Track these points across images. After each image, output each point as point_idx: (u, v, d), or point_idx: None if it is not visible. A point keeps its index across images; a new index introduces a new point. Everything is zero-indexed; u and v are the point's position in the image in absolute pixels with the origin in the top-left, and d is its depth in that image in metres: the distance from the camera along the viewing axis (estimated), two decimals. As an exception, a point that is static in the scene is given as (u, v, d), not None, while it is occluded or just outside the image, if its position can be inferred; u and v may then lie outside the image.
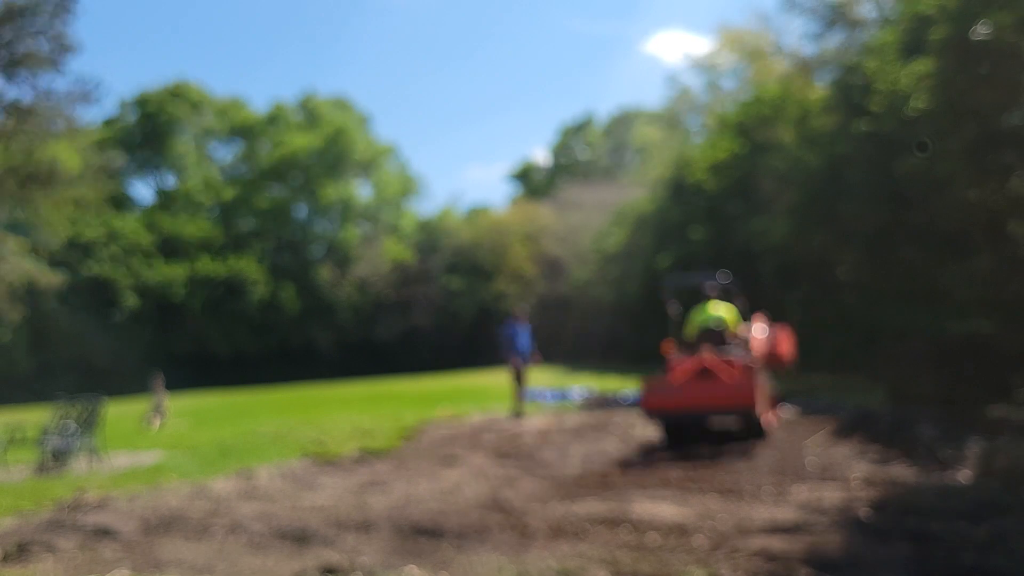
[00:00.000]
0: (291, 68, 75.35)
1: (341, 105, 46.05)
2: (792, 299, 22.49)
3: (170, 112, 42.17)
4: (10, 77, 20.75)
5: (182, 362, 33.70)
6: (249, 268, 39.01)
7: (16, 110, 20.99)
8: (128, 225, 38.09)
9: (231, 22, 74.26)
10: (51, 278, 26.98)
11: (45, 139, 21.65)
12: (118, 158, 35.01)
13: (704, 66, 33.44)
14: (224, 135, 44.92)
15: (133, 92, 42.91)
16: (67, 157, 23.81)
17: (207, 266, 37.97)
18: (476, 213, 46.30)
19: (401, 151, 48.59)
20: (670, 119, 37.05)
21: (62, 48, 21.19)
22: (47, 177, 21.43)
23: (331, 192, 43.16)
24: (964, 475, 7.18)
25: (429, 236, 43.64)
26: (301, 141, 42.41)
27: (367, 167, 45.61)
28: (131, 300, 35.54)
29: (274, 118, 44.41)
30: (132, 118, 42.49)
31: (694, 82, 34.71)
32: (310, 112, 45.21)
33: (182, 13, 71.32)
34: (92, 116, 58.23)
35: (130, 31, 69.46)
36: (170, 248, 38.17)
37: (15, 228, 27.67)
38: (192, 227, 39.35)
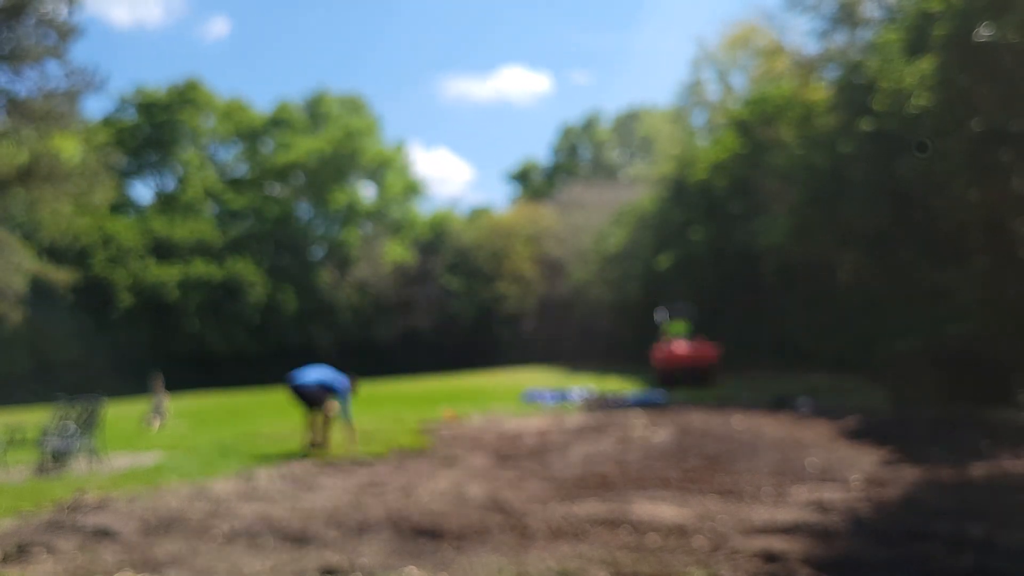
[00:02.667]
0: (299, 66, 75.49)
1: (353, 105, 45.92)
2: (792, 300, 22.50)
3: (173, 113, 42.12)
4: (16, 72, 20.67)
5: (182, 363, 33.72)
6: (247, 270, 39.00)
7: (19, 105, 20.91)
8: (126, 226, 38.08)
9: (237, 20, 74.22)
10: (61, 275, 26.88)
11: (49, 134, 21.55)
12: (118, 157, 34.94)
13: (712, 61, 33.44)
14: (228, 136, 44.87)
15: (137, 91, 42.73)
16: (71, 154, 23.75)
17: (202, 268, 37.98)
18: (478, 214, 46.27)
19: (405, 152, 48.44)
20: (678, 113, 37.06)
21: (66, 35, 21.11)
22: (48, 174, 21.33)
23: (338, 196, 43.14)
24: (964, 476, 7.17)
25: (430, 237, 43.64)
26: (308, 145, 42.32)
27: (375, 171, 45.56)
28: (128, 301, 35.55)
29: (278, 120, 44.37)
30: (134, 118, 42.44)
31: (705, 76, 34.71)
32: (318, 113, 45.14)
33: (186, 12, 71.26)
34: (94, 111, 58.17)
35: (136, 29, 69.42)
36: (166, 250, 38.17)
37: (18, 227, 27.66)
38: (188, 229, 39.33)
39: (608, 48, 75.71)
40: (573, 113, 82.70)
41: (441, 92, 76.41)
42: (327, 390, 10.29)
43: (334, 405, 10.09)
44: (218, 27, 71.33)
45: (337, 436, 10.48)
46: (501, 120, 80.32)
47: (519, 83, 75.43)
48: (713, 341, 19.45)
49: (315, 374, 10.50)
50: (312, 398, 10.25)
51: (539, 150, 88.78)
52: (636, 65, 71.19)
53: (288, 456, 9.94)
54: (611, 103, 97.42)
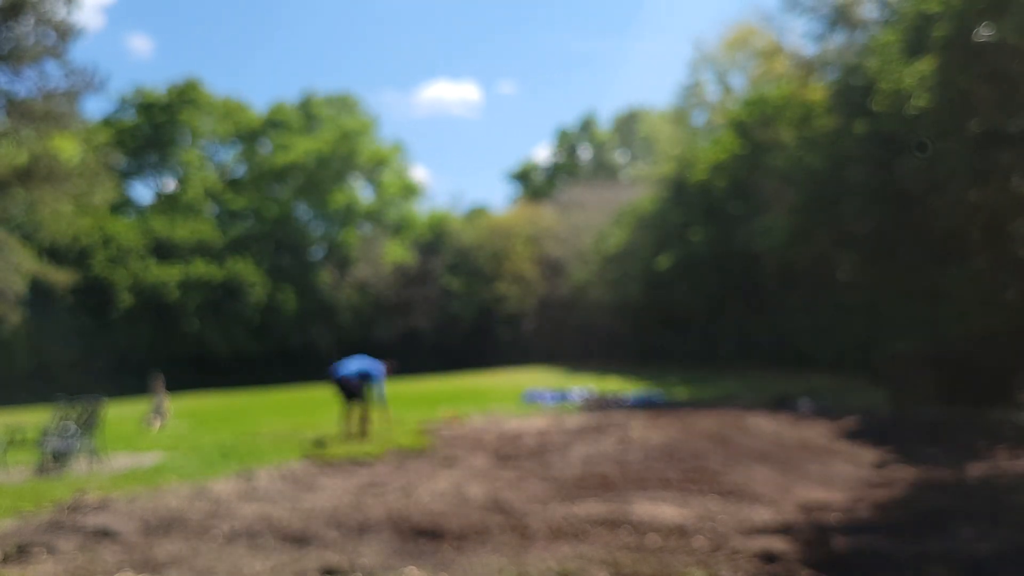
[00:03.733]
0: (293, 64, 75.39)
1: (347, 104, 45.96)
2: (792, 300, 22.50)
3: (173, 114, 42.14)
4: (15, 72, 20.64)
5: (182, 363, 33.72)
6: (247, 270, 39.00)
7: (18, 105, 20.88)
8: (126, 227, 38.09)
9: (229, 19, 74.17)
10: (60, 276, 26.85)
11: (48, 134, 21.53)
12: (118, 157, 34.99)
13: (711, 61, 33.45)
14: (226, 137, 44.88)
15: (134, 91, 42.73)
16: (70, 154, 23.74)
17: (202, 268, 37.99)
18: (477, 214, 46.26)
19: (403, 152, 48.45)
20: (678, 114, 37.06)
21: (66, 36, 21.09)
22: (48, 174, 21.31)
23: (336, 196, 43.16)
24: (961, 476, 7.17)
25: (430, 238, 43.64)
26: (306, 146, 42.34)
27: (372, 170, 45.59)
28: (128, 301, 35.55)
29: (275, 122, 44.39)
30: (133, 118, 42.45)
31: (704, 76, 34.70)
32: (313, 114, 45.16)
33: (184, 10, 71.19)
34: (94, 111, 58.00)
35: (133, 28, 69.36)
36: (166, 250, 38.17)
37: (18, 227, 27.65)
38: (189, 229, 39.35)
39: (604, 51, 75.97)
40: (505, 120, 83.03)
41: (374, 103, 76.76)
42: (366, 379, 11.48)
43: (371, 395, 11.36)
44: (141, 43, 70.34)
45: (375, 425, 11.65)
46: (438, 129, 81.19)
47: (449, 94, 76.09)
48: None
49: (355, 365, 11.71)
50: (353, 389, 11.42)
51: (489, 155, 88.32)
52: (632, 68, 71.39)
53: (300, 454, 9.95)
54: (609, 105, 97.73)
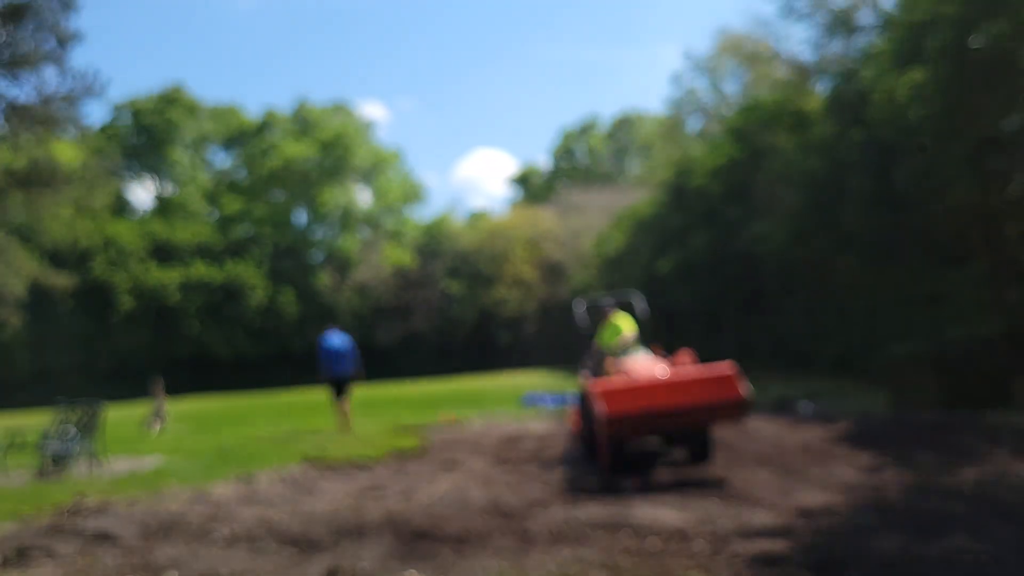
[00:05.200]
0: (288, 72, 75.34)
1: (341, 111, 46.10)
2: (792, 303, 22.50)
3: (166, 118, 42.22)
4: (14, 77, 20.63)
5: (182, 366, 33.74)
6: (247, 273, 39.02)
7: (17, 110, 20.87)
8: (126, 229, 38.12)
9: (223, 27, 74.20)
10: (60, 280, 26.87)
11: (48, 139, 21.54)
12: (117, 161, 35.09)
13: (706, 68, 33.43)
14: (220, 141, 44.99)
15: (126, 98, 42.87)
16: (69, 158, 23.79)
17: (202, 271, 38.01)
18: (477, 218, 46.33)
19: (404, 156, 48.69)
20: (673, 121, 37.06)
21: (65, 42, 21.09)
22: (48, 178, 21.32)
23: (330, 198, 43.16)
24: (961, 480, 7.17)
25: (430, 241, 43.67)
26: (297, 148, 42.42)
27: (369, 173, 45.63)
28: (128, 304, 35.56)
29: (267, 124, 44.48)
30: (127, 123, 42.55)
31: (698, 84, 34.68)
32: (305, 118, 45.29)
33: (176, 17, 71.18)
34: (93, 117, 58.00)
35: (122, 36, 69.31)
36: (167, 253, 38.20)
37: (18, 231, 27.68)
38: (188, 232, 39.37)
39: (601, 58, 76.04)
40: (412, 136, 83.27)
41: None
42: (350, 360, 12.10)
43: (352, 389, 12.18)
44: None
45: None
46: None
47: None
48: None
49: (340, 340, 12.23)
50: (345, 381, 12.02)
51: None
52: (630, 73, 71.51)
53: (293, 458, 9.95)
54: (606, 110, 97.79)
